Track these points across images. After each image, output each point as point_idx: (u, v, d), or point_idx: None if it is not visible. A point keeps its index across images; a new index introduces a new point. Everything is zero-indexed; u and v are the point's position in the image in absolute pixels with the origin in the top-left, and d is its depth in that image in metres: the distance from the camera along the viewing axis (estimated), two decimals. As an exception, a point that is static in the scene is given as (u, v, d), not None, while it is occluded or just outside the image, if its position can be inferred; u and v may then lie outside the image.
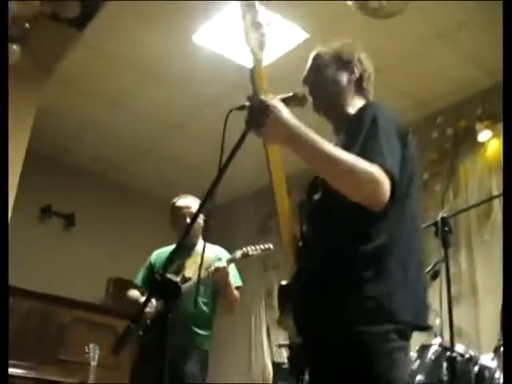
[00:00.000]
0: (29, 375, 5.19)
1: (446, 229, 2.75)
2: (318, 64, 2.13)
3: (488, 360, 2.95)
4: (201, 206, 1.82)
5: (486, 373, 2.88)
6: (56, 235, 6.93)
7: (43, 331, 5.55)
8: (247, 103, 1.74)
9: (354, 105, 2.06)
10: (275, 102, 1.71)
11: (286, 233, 1.89)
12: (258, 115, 1.69)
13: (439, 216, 2.79)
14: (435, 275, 3.08)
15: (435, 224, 2.78)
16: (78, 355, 5.18)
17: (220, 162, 1.78)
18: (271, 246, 3.74)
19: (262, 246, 3.72)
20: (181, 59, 5.11)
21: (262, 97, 1.73)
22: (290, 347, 1.82)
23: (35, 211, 6.81)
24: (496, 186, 4.73)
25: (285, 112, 1.70)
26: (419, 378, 3.01)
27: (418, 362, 3.12)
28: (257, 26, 1.87)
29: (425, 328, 1.84)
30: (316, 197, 1.93)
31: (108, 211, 7.27)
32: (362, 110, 1.92)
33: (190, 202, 3.91)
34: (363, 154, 1.70)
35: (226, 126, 1.81)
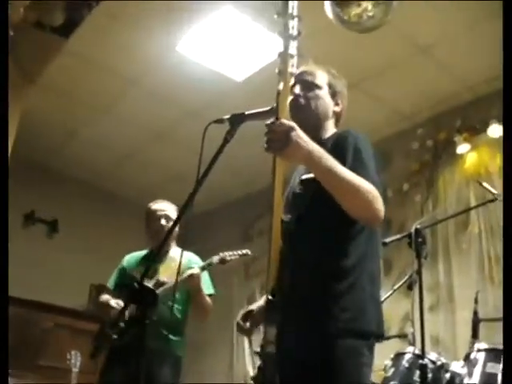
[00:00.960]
0: (8, 382, 5.17)
1: (420, 240, 2.80)
2: (314, 82, 2.17)
3: (458, 367, 3.01)
4: (179, 215, 1.88)
5: (457, 380, 2.95)
6: (39, 241, 6.92)
7: (24, 337, 5.54)
8: (267, 126, 1.76)
9: (330, 131, 2.16)
10: (294, 124, 1.77)
11: (275, 248, 1.92)
12: (280, 137, 1.73)
13: (413, 227, 2.83)
14: (411, 285, 3.13)
15: (409, 235, 2.83)
16: (60, 361, 5.19)
17: (198, 173, 1.86)
18: (249, 251, 3.78)
19: (239, 252, 3.76)
20: (164, 68, 5.15)
21: (283, 120, 1.77)
22: (264, 357, 1.86)
23: (18, 217, 6.80)
24: (474, 198, 4.81)
25: (303, 134, 1.77)
26: (393, 384, 3.07)
27: (393, 369, 3.17)
28: (291, 56, 1.92)
29: (383, 337, 1.94)
30: (296, 215, 2.00)
31: (91, 218, 7.26)
32: (342, 138, 2.02)
33: (164, 206, 3.97)
34: None
35: (205, 137, 1.88)
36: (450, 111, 5.33)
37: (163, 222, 3.85)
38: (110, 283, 3.99)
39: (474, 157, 5.06)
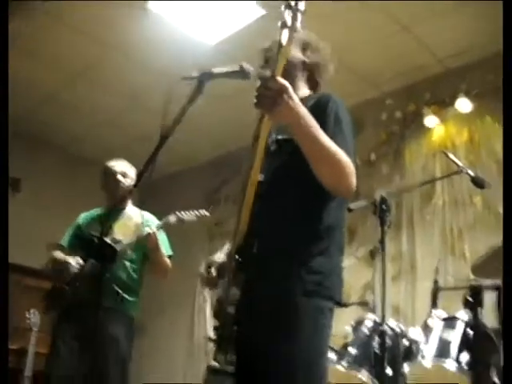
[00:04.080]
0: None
1: (385, 208, 2.79)
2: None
3: (416, 334, 3.06)
4: (141, 172, 1.85)
5: (414, 346, 3.00)
6: (0, 200, 6.83)
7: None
8: (262, 80, 1.71)
9: (302, 92, 2.11)
10: (288, 84, 1.70)
11: (247, 209, 1.87)
12: (272, 94, 1.67)
13: (378, 195, 2.83)
14: (373, 254, 3.16)
15: (374, 203, 2.83)
16: (19, 321, 5.14)
17: (162, 129, 1.83)
18: (207, 212, 3.73)
19: (197, 212, 3.70)
20: (138, 29, 5.03)
21: (278, 78, 1.70)
22: (223, 317, 1.84)
23: (-20, 175, 6.67)
24: (439, 171, 4.84)
25: (295, 96, 1.71)
26: (353, 350, 3.10)
27: (353, 335, 3.21)
28: (299, 11, 1.81)
29: (342, 305, 1.96)
30: (269, 175, 1.95)
31: (55, 179, 7.19)
32: (323, 102, 1.97)
33: (121, 164, 3.91)
34: None
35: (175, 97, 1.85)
36: (419, 83, 5.32)
37: (119, 177, 3.79)
38: (64, 241, 3.89)
39: (441, 130, 5.09)
